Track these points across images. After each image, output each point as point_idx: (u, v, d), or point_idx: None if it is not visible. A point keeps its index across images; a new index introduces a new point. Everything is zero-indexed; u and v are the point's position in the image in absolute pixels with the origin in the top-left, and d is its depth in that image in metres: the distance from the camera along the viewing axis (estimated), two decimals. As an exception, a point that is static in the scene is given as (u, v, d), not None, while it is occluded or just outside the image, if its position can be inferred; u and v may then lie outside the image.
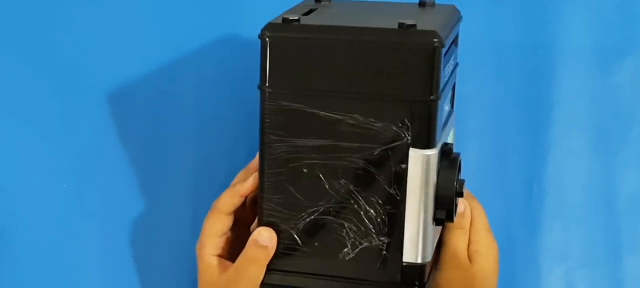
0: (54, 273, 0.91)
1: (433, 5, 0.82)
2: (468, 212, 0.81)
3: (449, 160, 0.76)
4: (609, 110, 0.95)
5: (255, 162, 0.80)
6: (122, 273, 0.91)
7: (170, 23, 0.94)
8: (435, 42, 0.71)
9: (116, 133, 0.93)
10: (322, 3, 0.82)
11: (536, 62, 0.95)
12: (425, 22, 0.73)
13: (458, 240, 0.80)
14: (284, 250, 0.76)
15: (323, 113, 0.73)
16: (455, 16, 0.81)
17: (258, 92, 0.75)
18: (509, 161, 0.94)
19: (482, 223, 0.82)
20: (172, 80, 0.93)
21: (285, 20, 0.73)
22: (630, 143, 0.94)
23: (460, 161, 0.77)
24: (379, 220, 0.75)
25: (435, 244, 0.78)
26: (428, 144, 0.73)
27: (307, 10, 0.79)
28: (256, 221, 0.82)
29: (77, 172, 0.93)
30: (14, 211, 0.92)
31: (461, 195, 0.76)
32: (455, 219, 0.77)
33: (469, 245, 0.81)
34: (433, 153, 0.73)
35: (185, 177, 0.92)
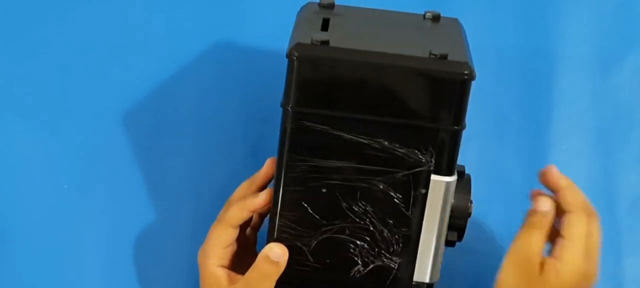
0: (54, 274, 0.91)
1: (438, 18, 0.81)
2: (551, 213, 0.78)
3: (462, 182, 0.77)
4: (609, 111, 0.95)
5: (262, 174, 0.80)
6: (122, 274, 0.91)
7: (171, 26, 0.94)
8: (466, 74, 0.71)
9: (116, 134, 0.93)
10: (327, 9, 0.81)
11: (536, 63, 0.95)
12: (452, 49, 0.73)
13: (530, 238, 0.77)
14: (295, 266, 0.77)
15: (348, 136, 0.73)
16: (463, 33, 0.81)
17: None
18: (509, 161, 0.94)
19: (578, 243, 0.76)
20: (172, 82, 0.93)
21: (314, 41, 0.72)
22: (630, 144, 0.94)
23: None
24: (392, 240, 0.75)
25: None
26: (449, 171, 0.74)
27: (320, 20, 0.78)
28: (252, 225, 0.82)
29: (77, 173, 0.92)
30: (14, 211, 0.92)
31: (469, 215, 0.77)
32: (535, 216, 0.76)
33: (550, 252, 0.78)
34: (453, 179, 0.74)
35: (185, 180, 0.92)
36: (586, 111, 0.94)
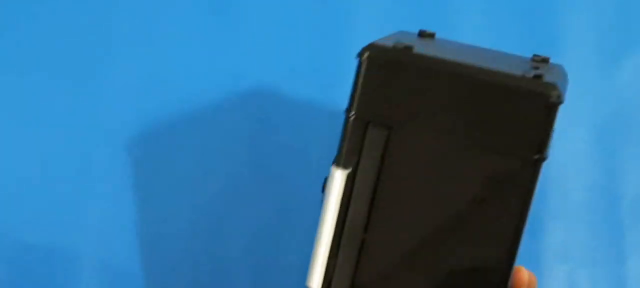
0: (53, 274, 0.91)
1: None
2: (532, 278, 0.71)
3: None
4: (609, 110, 0.95)
5: None
6: (121, 273, 0.91)
7: (170, 25, 0.94)
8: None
9: (116, 134, 0.93)
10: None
11: (536, 61, 0.95)
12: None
13: None
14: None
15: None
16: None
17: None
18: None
19: None
20: (172, 82, 0.94)
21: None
22: (632, 143, 0.94)
23: None
24: None
25: None
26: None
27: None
28: None
29: (76, 172, 0.92)
30: (14, 211, 0.92)
31: None
32: None
33: None
34: None
35: (185, 179, 0.92)
36: (586, 111, 0.95)
